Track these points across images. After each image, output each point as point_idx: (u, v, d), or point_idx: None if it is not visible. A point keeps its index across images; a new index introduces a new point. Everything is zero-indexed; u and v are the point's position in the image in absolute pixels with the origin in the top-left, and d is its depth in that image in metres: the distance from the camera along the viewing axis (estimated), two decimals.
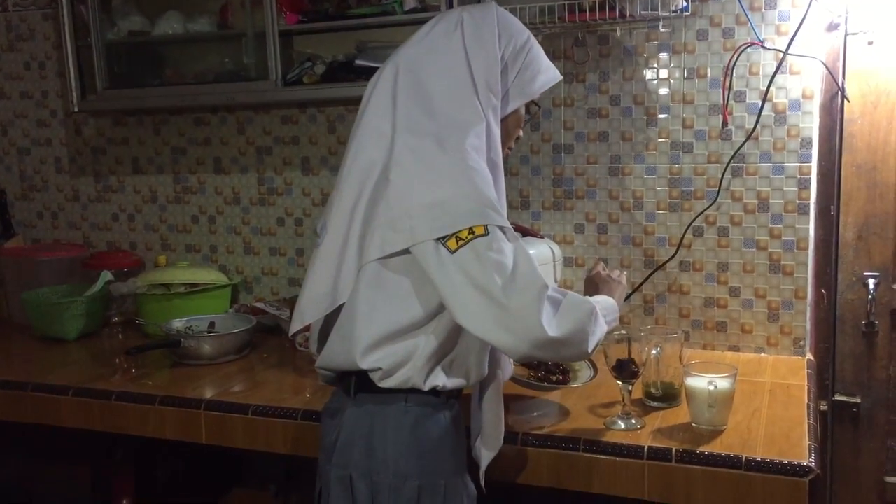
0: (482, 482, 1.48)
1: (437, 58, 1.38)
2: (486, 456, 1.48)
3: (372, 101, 1.39)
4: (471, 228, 1.25)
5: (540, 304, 1.25)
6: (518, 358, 1.40)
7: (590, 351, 1.36)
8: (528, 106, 1.51)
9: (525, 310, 1.24)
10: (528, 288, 1.25)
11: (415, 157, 1.30)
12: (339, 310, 1.38)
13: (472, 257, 1.25)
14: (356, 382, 1.38)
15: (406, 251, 1.29)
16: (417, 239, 1.27)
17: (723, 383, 1.58)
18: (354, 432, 1.37)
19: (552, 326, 1.26)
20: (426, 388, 1.35)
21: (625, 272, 1.67)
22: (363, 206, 1.34)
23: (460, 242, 1.25)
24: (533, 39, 1.46)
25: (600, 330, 1.38)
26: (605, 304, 1.45)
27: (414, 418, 1.34)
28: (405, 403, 1.35)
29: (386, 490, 1.33)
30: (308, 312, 1.41)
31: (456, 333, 1.35)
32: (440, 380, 1.36)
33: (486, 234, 1.25)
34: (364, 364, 1.33)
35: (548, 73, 1.48)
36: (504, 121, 1.43)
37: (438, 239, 1.26)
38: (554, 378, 1.77)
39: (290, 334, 1.57)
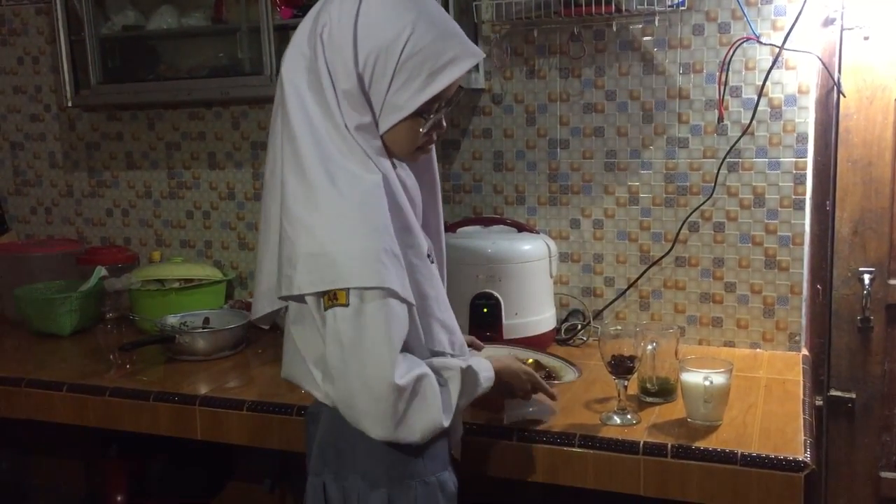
0: (457, 456, 1.47)
1: (311, 72, 1.23)
2: (451, 436, 1.45)
3: (277, 114, 1.29)
4: (335, 293, 1.19)
5: (386, 407, 1.20)
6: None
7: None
8: (426, 112, 1.27)
9: (370, 411, 1.21)
10: (375, 385, 1.20)
11: (298, 198, 1.21)
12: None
13: (332, 324, 1.21)
14: None
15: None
16: (294, 290, 1.23)
17: (718, 378, 1.58)
18: (326, 438, 1.36)
19: (398, 429, 1.23)
20: None
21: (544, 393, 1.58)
22: (275, 227, 1.31)
23: (329, 303, 1.21)
24: (408, 36, 1.20)
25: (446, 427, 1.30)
26: (480, 387, 1.36)
27: None
28: None
29: (356, 495, 1.31)
30: (259, 305, 1.41)
31: None
32: None
33: (347, 304, 1.18)
34: (320, 395, 1.34)
35: (439, 76, 1.22)
36: (387, 135, 1.27)
37: (317, 293, 1.22)
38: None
39: (252, 318, 1.49)
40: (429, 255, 1.36)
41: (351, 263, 1.18)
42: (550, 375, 1.76)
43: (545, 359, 1.84)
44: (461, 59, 1.24)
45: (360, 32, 1.20)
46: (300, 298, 1.26)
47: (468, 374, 1.34)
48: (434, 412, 1.26)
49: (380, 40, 1.20)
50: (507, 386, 1.51)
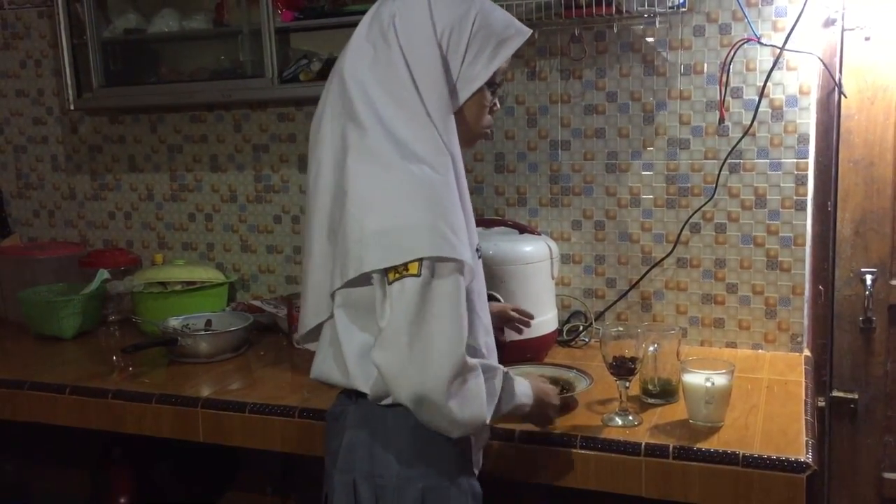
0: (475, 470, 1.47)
1: (379, 64, 1.28)
2: (475, 445, 1.45)
3: (325, 116, 1.34)
4: (406, 265, 1.20)
5: (447, 375, 1.21)
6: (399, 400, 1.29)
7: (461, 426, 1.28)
8: (493, 84, 1.37)
9: (432, 374, 1.21)
10: (440, 349, 1.21)
11: (366, 178, 1.24)
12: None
13: (398, 294, 1.21)
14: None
15: (368, 277, 1.26)
16: (364, 268, 1.23)
17: (720, 380, 1.58)
18: (356, 436, 1.35)
19: (454, 403, 1.22)
20: None
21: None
22: (329, 231, 1.32)
23: (396, 276, 1.21)
24: (476, 11, 1.31)
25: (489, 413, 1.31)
26: (515, 398, 1.39)
27: (415, 421, 1.30)
28: (406, 408, 1.31)
29: (390, 494, 1.31)
30: (307, 320, 1.42)
31: None
32: None
33: (418, 274, 1.20)
34: (358, 385, 1.33)
35: (503, 48, 1.33)
36: (460, 113, 1.33)
37: (384, 270, 1.22)
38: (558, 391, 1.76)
39: (298, 336, 1.50)
40: (477, 250, 1.38)
41: (424, 235, 1.21)
42: (565, 388, 1.78)
43: (560, 373, 1.86)
44: (518, 34, 1.36)
45: (435, 12, 1.29)
46: (360, 281, 1.26)
47: (508, 381, 1.36)
48: (480, 401, 1.27)
49: (453, 16, 1.29)
50: (546, 409, 1.53)
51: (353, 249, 1.24)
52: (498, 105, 1.43)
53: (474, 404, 1.26)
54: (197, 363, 2.13)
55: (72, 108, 2.59)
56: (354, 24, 2.22)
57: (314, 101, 2.43)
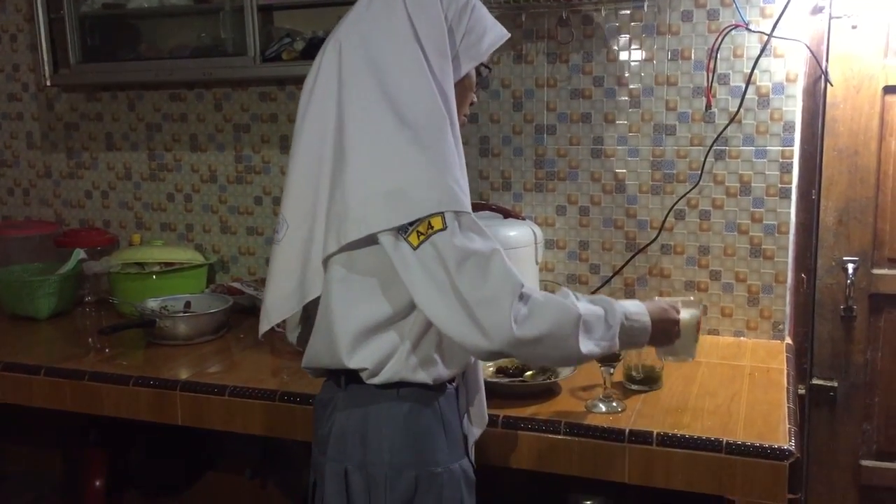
0: (472, 459, 1.45)
1: (383, 30, 1.28)
2: (472, 433, 1.45)
3: (319, 82, 1.31)
4: (429, 223, 1.19)
5: (510, 299, 1.20)
6: (488, 358, 1.29)
7: (582, 352, 1.27)
8: (478, 69, 1.40)
9: (492, 307, 1.19)
10: (495, 283, 1.20)
11: (370, 140, 1.23)
12: (316, 303, 1.33)
13: (433, 254, 1.19)
14: (346, 374, 1.33)
15: (373, 242, 1.23)
16: (372, 228, 1.20)
17: (685, 314, 1.53)
18: (347, 425, 1.32)
19: (523, 326, 1.21)
20: (416, 380, 1.29)
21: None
22: (323, 195, 1.28)
23: (421, 238, 1.19)
24: (474, 3, 1.36)
25: (591, 336, 1.29)
26: (619, 312, 1.35)
27: (408, 408, 1.29)
28: (398, 394, 1.30)
29: (382, 482, 1.29)
30: (274, 313, 1.37)
31: None
32: (431, 372, 1.30)
33: (445, 227, 1.19)
34: (351, 363, 1.29)
35: (494, 32, 1.38)
36: (456, 87, 1.33)
37: (398, 231, 1.20)
38: (541, 377, 1.77)
39: (259, 336, 1.46)
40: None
41: (436, 190, 1.20)
42: (550, 374, 1.78)
43: None
44: (503, 34, 1.40)
45: None
46: (358, 245, 1.23)
47: (590, 299, 1.34)
48: (554, 304, 1.26)
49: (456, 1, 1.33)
50: (669, 324, 1.47)
51: (355, 211, 1.21)
52: (475, 99, 1.44)
53: (552, 307, 1.25)
54: (175, 345, 2.10)
55: (48, 84, 2.54)
56: (338, 3, 2.23)
57: (297, 80, 2.44)
